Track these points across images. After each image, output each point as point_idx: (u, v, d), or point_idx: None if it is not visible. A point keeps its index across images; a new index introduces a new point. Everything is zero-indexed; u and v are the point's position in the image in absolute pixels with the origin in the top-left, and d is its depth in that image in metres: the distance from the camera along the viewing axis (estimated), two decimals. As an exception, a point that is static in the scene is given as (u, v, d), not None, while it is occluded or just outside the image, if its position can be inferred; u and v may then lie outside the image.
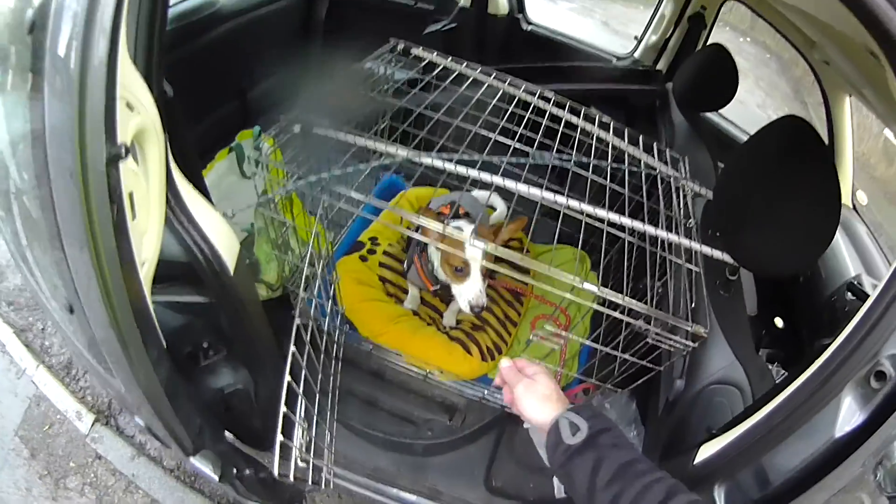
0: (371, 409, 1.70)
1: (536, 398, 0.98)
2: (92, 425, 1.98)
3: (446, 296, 1.77)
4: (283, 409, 0.90)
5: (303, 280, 1.12)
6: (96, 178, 0.66)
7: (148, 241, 0.82)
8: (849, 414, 0.80)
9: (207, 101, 2.46)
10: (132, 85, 0.77)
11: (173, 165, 0.90)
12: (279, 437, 0.91)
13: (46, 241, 0.76)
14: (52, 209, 0.68)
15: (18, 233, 0.96)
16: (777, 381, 1.48)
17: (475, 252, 1.41)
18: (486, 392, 1.72)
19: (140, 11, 0.81)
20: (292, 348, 0.94)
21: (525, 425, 1.69)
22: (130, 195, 0.74)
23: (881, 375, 0.76)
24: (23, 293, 2.33)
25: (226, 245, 0.95)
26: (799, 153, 1.29)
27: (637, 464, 0.83)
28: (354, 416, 1.64)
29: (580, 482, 0.86)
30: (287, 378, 0.92)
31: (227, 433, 1.23)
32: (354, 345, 1.73)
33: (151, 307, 0.85)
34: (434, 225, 1.29)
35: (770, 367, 1.63)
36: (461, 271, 1.47)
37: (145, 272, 0.81)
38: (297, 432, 0.95)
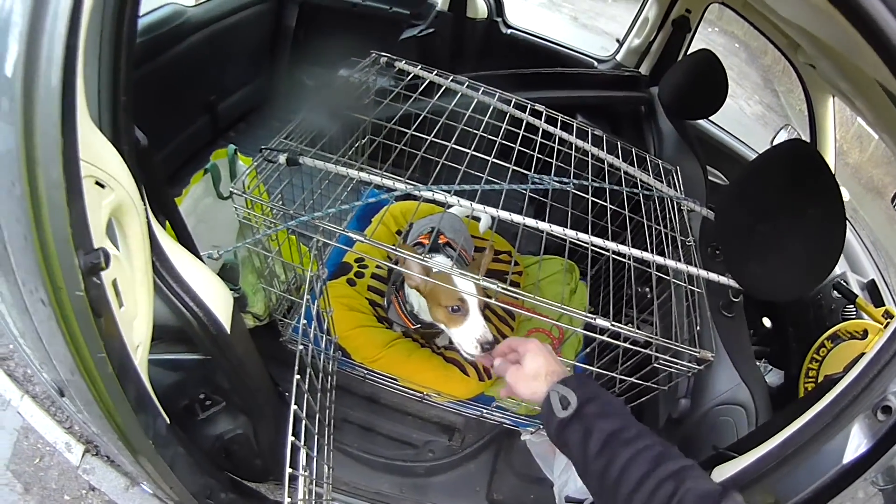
0: (369, 435, 1.70)
1: (525, 380, 0.99)
2: (82, 456, 1.93)
3: (428, 334, 1.73)
4: (288, 470, 0.88)
5: (304, 323, 1.09)
6: (75, 301, 0.56)
7: (139, 324, 0.76)
8: (855, 443, 0.84)
9: (176, 117, 2.40)
10: (98, 155, 0.67)
11: (156, 226, 0.83)
12: (287, 500, 0.89)
13: (22, 324, 0.65)
14: (31, 326, 0.58)
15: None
16: (782, 393, 1.53)
17: (470, 287, 1.32)
18: (484, 410, 1.72)
19: (102, 44, 0.69)
20: (293, 407, 0.92)
21: (523, 437, 1.72)
22: (114, 283, 0.67)
23: (887, 409, 0.81)
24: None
25: (220, 304, 0.90)
26: (806, 183, 1.30)
27: (624, 432, 0.85)
28: (354, 443, 1.65)
29: (575, 453, 0.89)
30: (291, 438, 0.89)
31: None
32: (348, 371, 1.71)
33: (151, 390, 0.80)
34: (416, 268, 1.27)
35: (757, 363, 1.65)
36: (458, 311, 1.35)
37: (140, 357, 0.76)
38: (301, 482, 0.93)
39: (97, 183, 0.65)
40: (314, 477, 1.08)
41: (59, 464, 1.91)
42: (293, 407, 0.91)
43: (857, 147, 7.42)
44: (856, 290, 1.72)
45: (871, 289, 1.79)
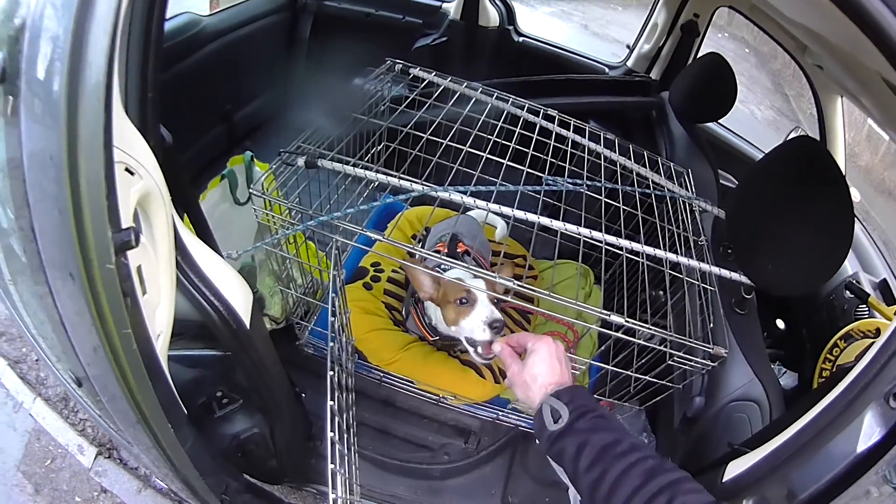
0: (385, 438, 1.70)
1: (522, 383, 0.98)
2: (95, 458, 1.93)
3: (446, 347, 1.74)
4: (329, 465, 0.89)
5: (330, 327, 1.11)
6: (104, 275, 0.57)
7: (161, 313, 0.77)
8: (869, 431, 0.83)
9: (193, 126, 2.41)
10: (129, 143, 0.69)
11: (178, 222, 0.84)
12: (332, 494, 0.90)
13: (43, 313, 0.66)
14: (53, 304, 0.59)
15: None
16: (797, 395, 1.53)
17: (480, 284, 1.37)
18: (500, 413, 1.72)
19: (130, 41, 0.72)
20: (330, 403, 0.93)
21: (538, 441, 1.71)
22: (139, 269, 0.68)
23: (900, 396, 0.80)
24: (15, 323, 2.27)
25: (240, 299, 0.92)
26: (814, 178, 1.31)
27: (616, 446, 0.83)
28: (369, 446, 1.64)
29: (567, 467, 0.87)
30: (330, 434, 0.90)
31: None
32: (364, 374, 1.72)
33: (170, 377, 0.81)
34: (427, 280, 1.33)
35: (772, 365, 1.64)
36: (465, 302, 1.38)
37: (160, 345, 0.77)
38: (339, 480, 0.94)
39: (126, 170, 0.67)
40: (347, 476, 1.08)
41: (70, 466, 1.92)
42: (329, 403, 0.92)
43: (869, 149, 7.37)
44: (868, 289, 1.71)
45: (884, 288, 1.79)
